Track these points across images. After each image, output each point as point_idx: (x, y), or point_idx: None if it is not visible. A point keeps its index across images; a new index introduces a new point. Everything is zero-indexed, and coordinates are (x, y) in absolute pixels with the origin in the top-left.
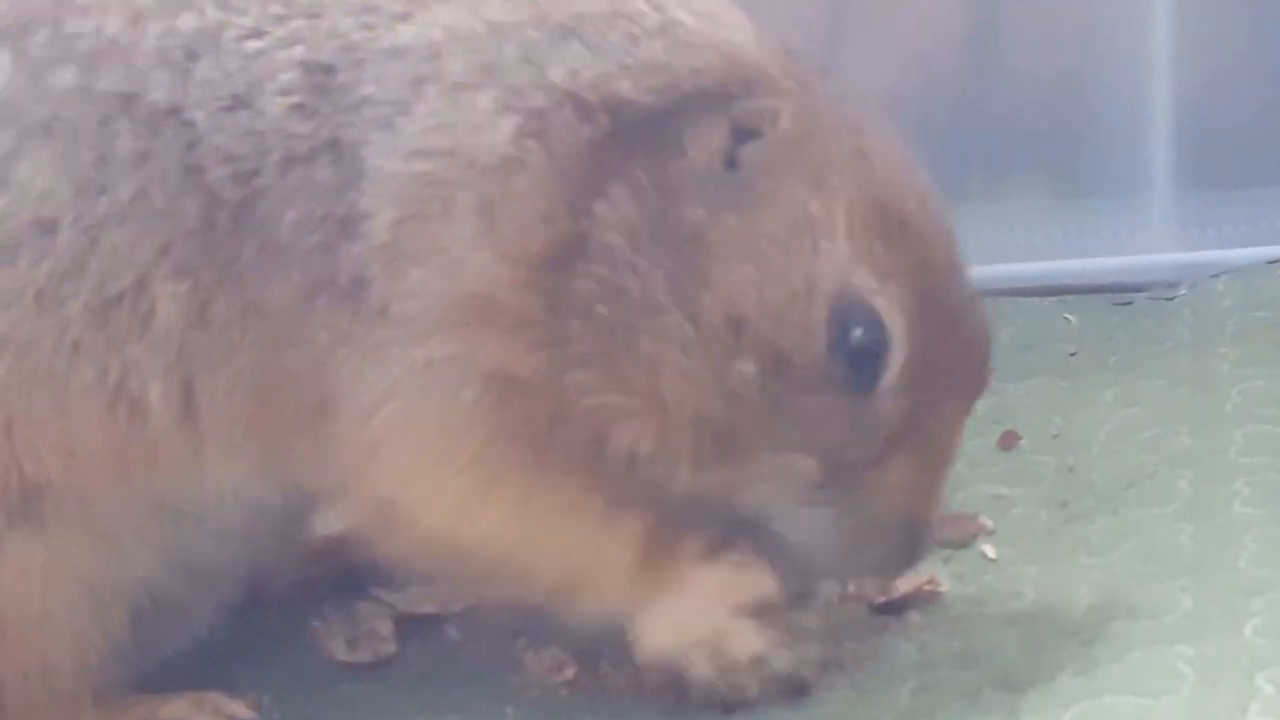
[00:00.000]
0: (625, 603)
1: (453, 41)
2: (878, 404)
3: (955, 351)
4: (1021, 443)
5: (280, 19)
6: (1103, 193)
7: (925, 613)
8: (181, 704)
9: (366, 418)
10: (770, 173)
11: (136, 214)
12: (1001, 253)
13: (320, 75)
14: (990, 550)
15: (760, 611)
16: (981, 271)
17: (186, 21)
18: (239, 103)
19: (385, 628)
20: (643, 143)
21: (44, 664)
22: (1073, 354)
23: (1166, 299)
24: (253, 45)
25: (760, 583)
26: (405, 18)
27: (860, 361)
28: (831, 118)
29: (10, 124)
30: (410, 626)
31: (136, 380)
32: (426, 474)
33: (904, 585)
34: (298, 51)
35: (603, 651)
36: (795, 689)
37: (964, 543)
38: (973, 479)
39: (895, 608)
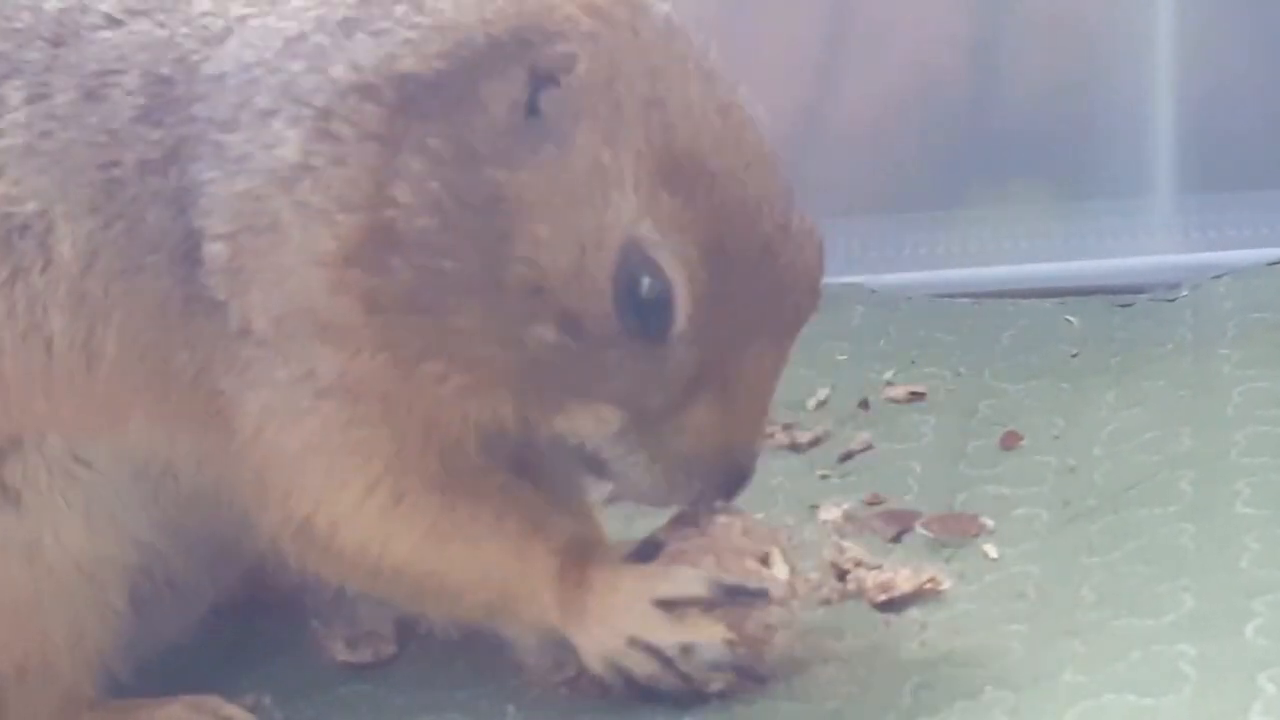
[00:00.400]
0: (557, 611)
1: (257, 65)
2: (668, 352)
3: (758, 293)
4: (1023, 443)
5: (133, 13)
6: (1105, 195)
7: (927, 611)
8: (179, 707)
9: (254, 438)
10: (566, 122)
11: (31, 158)
12: (1003, 254)
13: (160, 86)
14: (992, 550)
15: (689, 604)
16: (984, 273)
17: (50, 1)
18: (92, 95)
19: (385, 628)
20: (437, 109)
21: (41, 654)
22: (1074, 355)
23: (1168, 300)
24: (105, 35)
25: (683, 579)
26: (224, 39)
27: (647, 313)
28: (634, 61)
29: None
30: (410, 626)
31: (40, 311)
32: (335, 498)
33: (905, 583)
34: (143, 57)
35: None
36: (743, 677)
37: (965, 542)
38: (974, 479)
39: (897, 605)
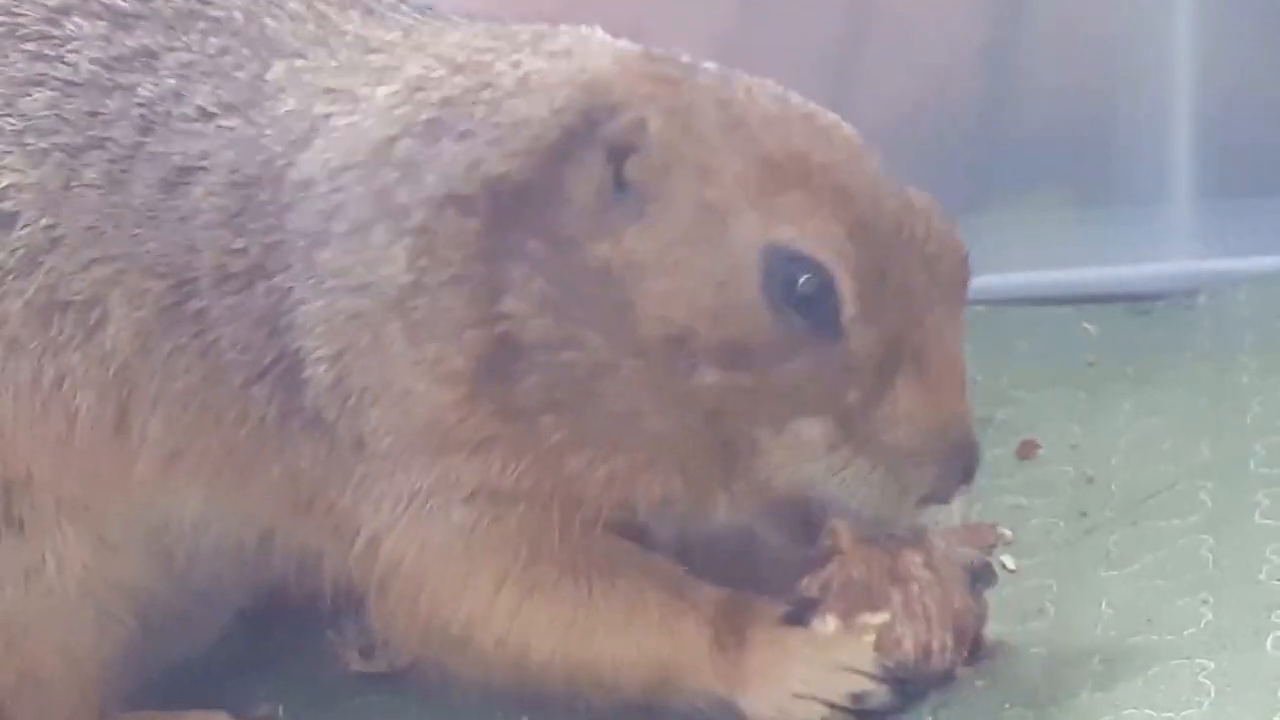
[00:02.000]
0: (719, 680)
1: (345, 171)
2: (849, 340)
3: (914, 261)
4: (1040, 452)
5: (227, 108)
6: (1122, 201)
7: None
8: None
9: (373, 548)
10: (656, 179)
11: (97, 240)
12: (1020, 261)
13: (246, 189)
14: (1010, 561)
15: (855, 662)
16: (1000, 280)
17: (146, 87)
18: (173, 190)
19: None
20: (529, 212)
21: (36, 674)
22: (1091, 363)
23: (1186, 308)
24: (196, 128)
25: (854, 653)
26: (308, 141)
27: (813, 309)
28: (698, 102)
29: None
30: None
31: (70, 386)
32: (463, 599)
33: None
34: (230, 155)
35: None
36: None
37: (983, 553)
38: (991, 489)
39: None
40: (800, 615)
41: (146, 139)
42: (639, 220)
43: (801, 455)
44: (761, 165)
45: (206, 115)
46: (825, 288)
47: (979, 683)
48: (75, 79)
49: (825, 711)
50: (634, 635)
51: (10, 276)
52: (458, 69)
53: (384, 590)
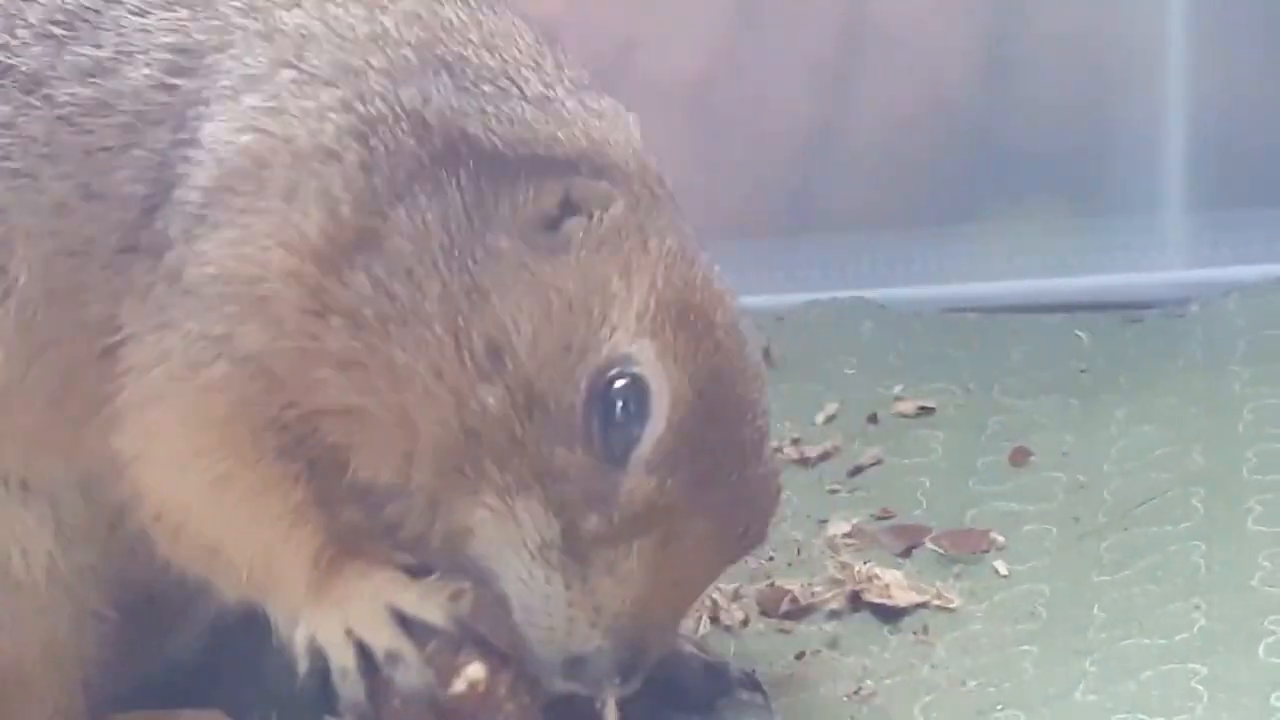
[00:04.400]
0: (304, 588)
1: (329, 36)
2: (623, 477)
3: (724, 482)
4: (1033, 459)
5: (168, 4)
6: (1115, 211)
7: (937, 630)
8: None
9: (141, 376)
10: (586, 247)
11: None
12: (1014, 270)
13: (188, 58)
14: (1002, 566)
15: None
16: (994, 288)
17: None
18: (102, 71)
19: None
20: (476, 171)
21: (18, 671)
22: (1084, 371)
23: (1178, 317)
24: (134, 22)
25: (430, 601)
26: (294, 5)
27: (617, 427)
28: (664, 224)
29: None
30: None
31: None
32: (165, 433)
33: (914, 598)
34: (173, 38)
35: None
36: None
37: (976, 558)
38: (984, 495)
39: (906, 624)
40: (423, 570)
41: (70, 39)
42: (545, 255)
43: (513, 531)
44: (675, 296)
45: (144, 12)
46: (638, 415)
47: (971, 683)
48: None
49: (349, 663)
50: (253, 523)
51: None
52: (491, 49)
53: (125, 434)
